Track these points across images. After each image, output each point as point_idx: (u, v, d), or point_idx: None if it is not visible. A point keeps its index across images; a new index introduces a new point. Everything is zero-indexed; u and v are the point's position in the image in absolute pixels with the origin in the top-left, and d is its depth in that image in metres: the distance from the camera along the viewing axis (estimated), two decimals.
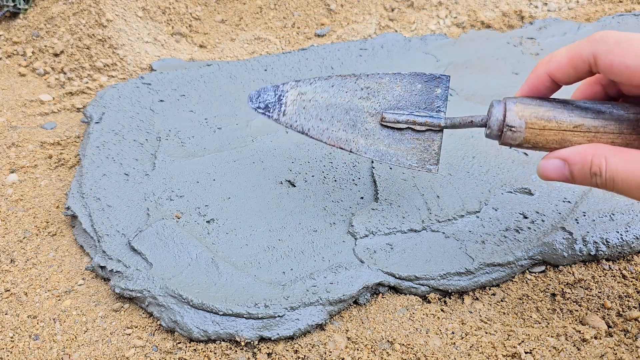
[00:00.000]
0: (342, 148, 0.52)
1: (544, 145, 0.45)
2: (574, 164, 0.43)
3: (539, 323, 0.51)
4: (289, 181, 0.64)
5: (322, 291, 0.51)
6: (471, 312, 0.52)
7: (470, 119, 0.48)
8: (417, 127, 0.51)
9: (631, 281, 0.54)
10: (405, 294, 0.54)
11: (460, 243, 0.56)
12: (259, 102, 0.53)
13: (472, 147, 0.67)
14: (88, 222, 0.59)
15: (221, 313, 0.49)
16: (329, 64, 0.86)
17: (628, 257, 0.56)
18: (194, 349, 0.49)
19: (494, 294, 0.54)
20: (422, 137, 0.51)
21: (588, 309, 0.52)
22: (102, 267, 0.55)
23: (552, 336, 0.49)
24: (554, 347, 0.48)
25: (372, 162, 0.65)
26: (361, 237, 0.57)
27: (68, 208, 0.61)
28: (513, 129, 0.44)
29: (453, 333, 0.50)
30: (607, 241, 0.55)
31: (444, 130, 0.51)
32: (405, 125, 0.51)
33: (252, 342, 0.49)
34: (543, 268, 0.56)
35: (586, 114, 0.44)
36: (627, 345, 0.48)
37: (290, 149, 0.68)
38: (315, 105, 0.52)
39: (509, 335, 0.49)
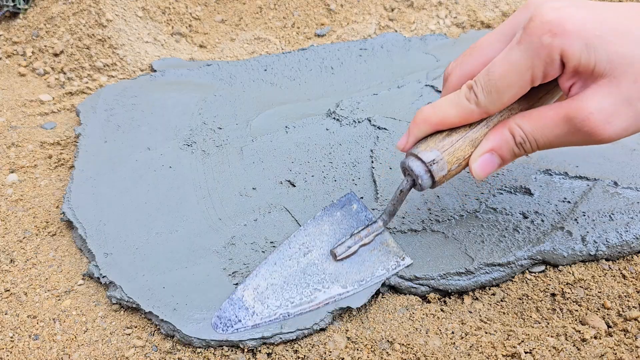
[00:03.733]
0: (327, 304, 0.51)
1: (464, 156, 0.47)
2: (499, 148, 0.46)
3: (539, 323, 0.51)
4: (289, 181, 0.64)
5: None
6: (471, 312, 0.52)
7: (398, 190, 0.51)
8: (366, 240, 0.54)
9: (631, 281, 0.54)
10: (405, 294, 0.54)
11: (460, 243, 0.56)
12: (226, 325, 0.49)
13: None
14: (83, 229, 0.59)
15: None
16: (328, 64, 0.86)
17: (628, 257, 0.56)
18: (193, 350, 0.49)
19: (493, 294, 0.54)
20: (376, 246, 0.54)
21: (588, 309, 0.52)
22: (98, 278, 0.55)
23: (552, 336, 0.49)
24: (554, 347, 0.48)
25: (372, 162, 0.65)
26: None
27: (63, 214, 0.60)
28: (434, 161, 0.46)
29: (453, 333, 0.50)
30: (607, 241, 0.55)
31: (386, 227, 0.55)
32: (357, 247, 0.53)
33: None
34: (543, 268, 0.56)
35: None
36: (627, 345, 0.48)
37: (290, 149, 0.68)
38: (275, 288, 0.51)
39: (508, 335, 0.49)
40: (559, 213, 0.58)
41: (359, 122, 0.72)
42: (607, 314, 0.51)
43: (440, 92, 0.77)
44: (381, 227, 0.54)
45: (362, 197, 0.61)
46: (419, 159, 0.47)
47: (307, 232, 0.55)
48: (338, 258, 0.53)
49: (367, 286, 0.52)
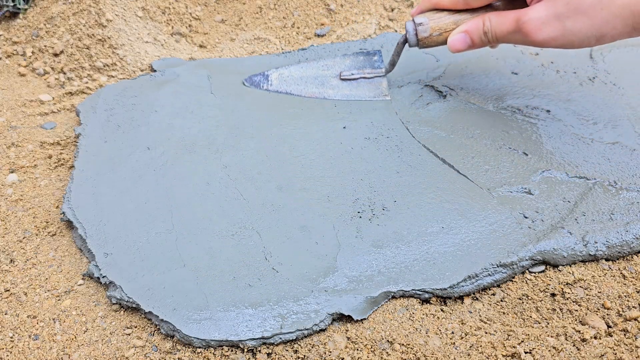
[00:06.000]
0: (317, 97, 0.75)
1: (445, 28, 0.64)
2: (471, 32, 0.62)
3: (539, 323, 0.51)
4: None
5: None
6: (471, 312, 0.52)
7: (397, 42, 0.71)
8: (367, 75, 0.76)
9: (631, 281, 0.54)
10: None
11: None
12: (252, 82, 0.78)
13: (471, 147, 0.67)
14: (83, 229, 0.59)
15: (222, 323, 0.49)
16: None
17: (628, 257, 0.56)
18: (193, 350, 0.49)
19: (493, 294, 0.54)
20: (373, 82, 0.76)
21: (588, 309, 0.52)
22: (98, 278, 0.55)
23: (551, 336, 0.49)
24: (554, 347, 0.48)
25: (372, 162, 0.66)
26: None
27: (63, 214, 0.60)
28: (421, 24, 0.65)
29: (453, 333, 0.50)
30: (607, 241, 0.56)
31: (388, 74, 0.76)
32: (358, 76, 0.76)
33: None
34: (543, 268, 0.56)
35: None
36: (627, 345, 0.48)
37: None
38: (292, 77, 0.78)
39: (508, 335, 0.49)
40: (559, 213, 0.58)
41: (359, 122, 0.72)
42: (607, 314, 0.51)
43: (440, 92, 0.77)
44: (382, 72, 0.75)
45: (360, 197, 0.62)
46: (413, 21, 0.66)
47: (334, 60, 0.79)
48: (341, 77, 0.76)
49: (349, 99, 0.74)
